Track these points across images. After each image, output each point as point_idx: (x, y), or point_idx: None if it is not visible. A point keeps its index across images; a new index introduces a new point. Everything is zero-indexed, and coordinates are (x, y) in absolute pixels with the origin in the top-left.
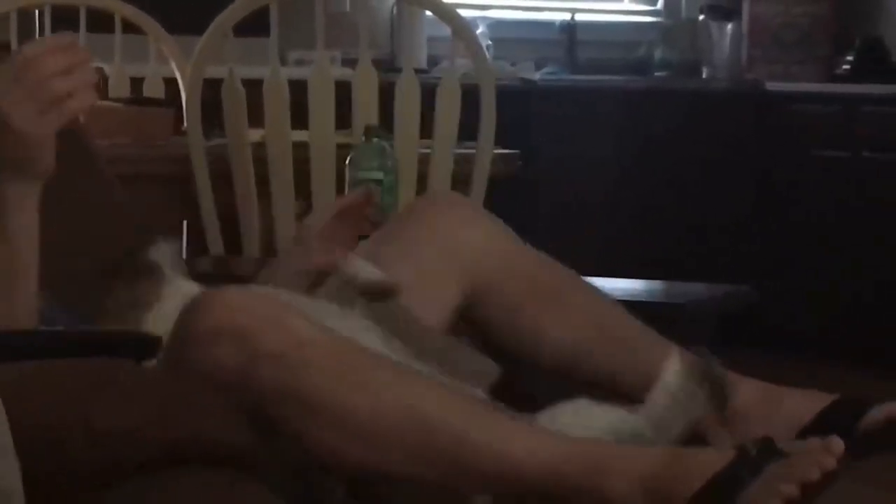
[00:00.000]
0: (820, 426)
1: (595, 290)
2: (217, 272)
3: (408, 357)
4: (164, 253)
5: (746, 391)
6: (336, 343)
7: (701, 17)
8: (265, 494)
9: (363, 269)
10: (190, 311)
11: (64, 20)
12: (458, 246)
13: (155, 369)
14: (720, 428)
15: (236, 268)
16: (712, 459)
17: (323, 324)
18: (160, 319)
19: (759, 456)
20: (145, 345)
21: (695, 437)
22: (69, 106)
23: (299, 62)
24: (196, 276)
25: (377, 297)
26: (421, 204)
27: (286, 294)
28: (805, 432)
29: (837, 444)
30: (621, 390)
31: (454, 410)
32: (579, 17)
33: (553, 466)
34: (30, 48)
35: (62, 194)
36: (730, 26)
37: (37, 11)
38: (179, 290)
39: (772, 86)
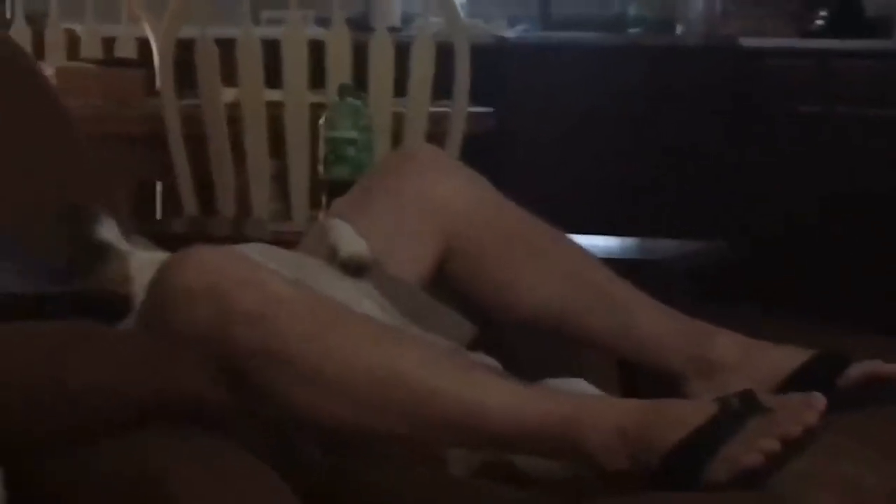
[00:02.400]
0: (799, 381)
1: (576, 245)
2: (192, 232)
3: (398, 320)
4: (110, 228)
5: (725, 344)
6: (309, 300)
7: None
8: (241, 451)
9: (346, 238)
10: (163, 272)
11: None
12: (436, 199)
13: (126, 330)
14: (698, 380)
15: (211, 228)
16: (692, 412)
17: (303, 283)
18: (139, 297)
19: (740, 409)
20: (115, 304)
21: (671, 389)
22: None
23: (272, 21)
24: (171, 237)
25: (357, 271)
26: (396, 158)
27: (289, 254)
28: (784, 387)
29: (819, 399)
30: (603, 349)
31: (427, 365)
32: None
33: (527, 419)
34: None
35: (33, 155)
36: None
37: None
38: (146, 263)
39: (746, 41)
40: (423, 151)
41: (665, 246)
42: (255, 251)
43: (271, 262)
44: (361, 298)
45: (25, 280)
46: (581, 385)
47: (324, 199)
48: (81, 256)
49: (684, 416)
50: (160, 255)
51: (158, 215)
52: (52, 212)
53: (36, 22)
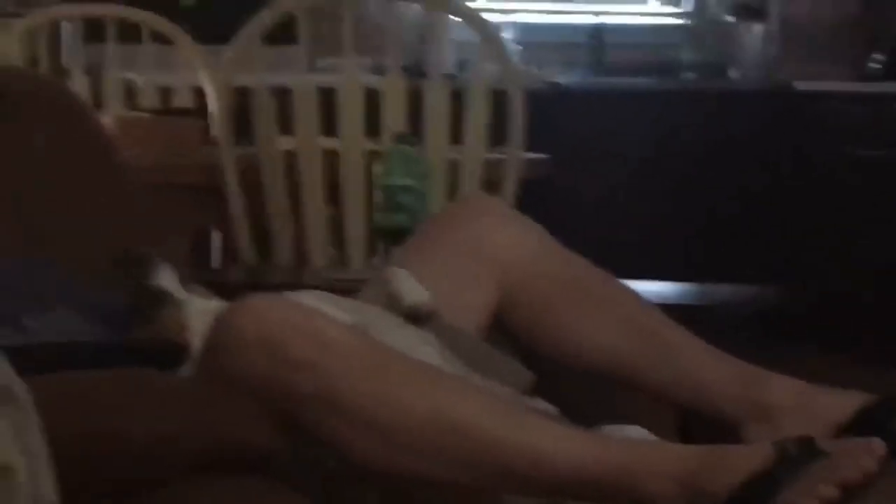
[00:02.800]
0: (857, 426)
1: (631, 292)
2: (249, 281)
3: (458, 368)
4: (168, 275)
5: (780, 388)
6: (364, 347)
7: (729, 18)
8: (299, 500)
9: (408, 287)
10: (220, 321)
11: (93, 32)
12: (493, 248)
13: (185, 378)
14: (754, 425)
15: (268, 276)
16: (750, 457)
17: (361, 329)
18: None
19: (798, 455)
20: (174, 352)
21: (728, 433)
22: None
23: (328, 69)
24: (228, 286)
25: (420, 320)
26: (454, 208)
27: (348, 301)
28: (841, 431)
29: (879, 445)
30: (659, 395)
31: (485, 411)
32: (606, 20)
33: (586, 466)
34: None
35: (89, 204)
36: (758, 27)
37: (66, 24)
38: (202, 311)
39: (801, 85)
40: (480, 200)
41: (721, 291)
42: (313, 298)
43: (331, 309)
44: (421, 346)
45: (85, 328)
46: (638, 431)
47: (380, 247)
48: (139, 303)
49: (742, 461)
50: (216, 304)
51: (215, 264)
52: (109, 258)
53: (94, 72)
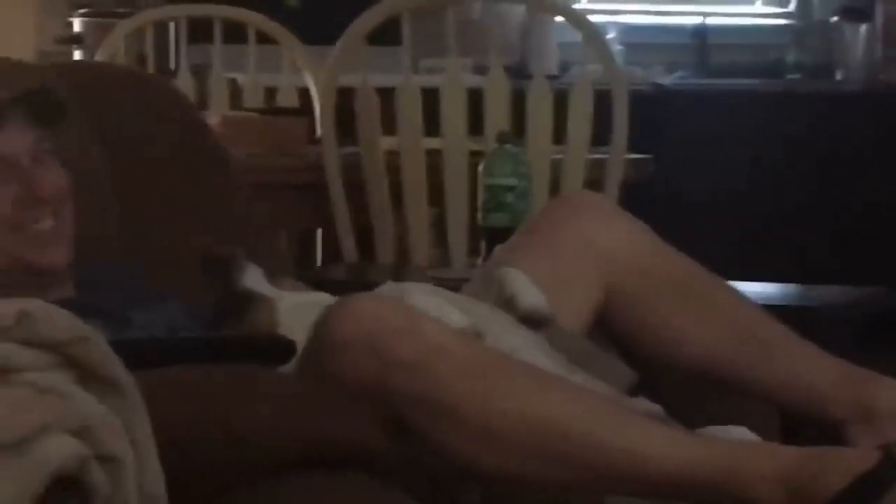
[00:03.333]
0: None
1: (736, 293)
2: (351, 279)
3: (564, 367)
4: (253, 275)
5: (886, 390)
6: (468, 348)
7: (834, 19)
8: (401, 498)
9: (525, 289)
10: (323, 321)
11: (198, 32)
12: (597, 245)
13: (292, 375)
14: (858, 426)
15: (371, 275)
16: (855, 460)
17: (477, 330)
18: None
19: None
20: (280, 349)
21: (832, 434)
22: None
23: (431, 70)
24: (331, 284)
25: (536, 323)
26: (557, 204)
27: (460, 297)
28: None
29: None
30: (764, 396)
31: (591, 414)
32: (710, 20)
33: (690, 468)
34: None
35: (195, 203)
36: (864, 27)
37: (172, 24)
38: (295, 306)
39: None
40: (584, 197)
41: (825, 292)
42: (424, 292)
43: (443, 303)
44: (531, 348)
45: (188, 324)
46: (743, 433)
47: (482, 246)
48: (226, 305)
49: (847, 464)
50: (311, 297)
51: (319, 262)
52: (197, 259)
53: (200, 73)
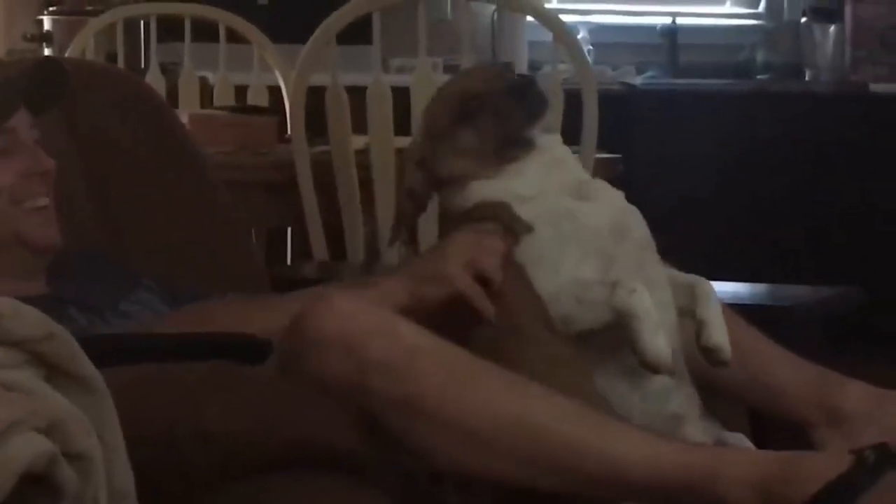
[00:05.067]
0: None
1: None
2: (321, 277)
3: None
4: None
5: (855, 393)
6: (445, 351)
7: (803, 20)
8: (376, 498)
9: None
10: (298, 320)
11: (169, 30)
12: None
13: (266, 374)
14: (827, 429)
15: (340, 273)
16: (828, 465)
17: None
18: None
19: (876, 463)
20: (257, 349)
21: (800, 436)
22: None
23: (401, 69)
24: (301, 282)
25: None
26: None
27: None
28: None
29: None
30: (734, 397)
31: (566, 416)
32: (680, 20)
33: (667, 472)
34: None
35: (169, 197)
36: (833, 28)
37: (142, 22)
38: None
39: (876, 87)
40: None
41: (796, 292)
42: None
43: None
44: None
45: (163, 308)
46: (741, 440)
47: None
48: None
49: (820, 469)
50: None
51: (289, 260)
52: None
53: (170, 71)
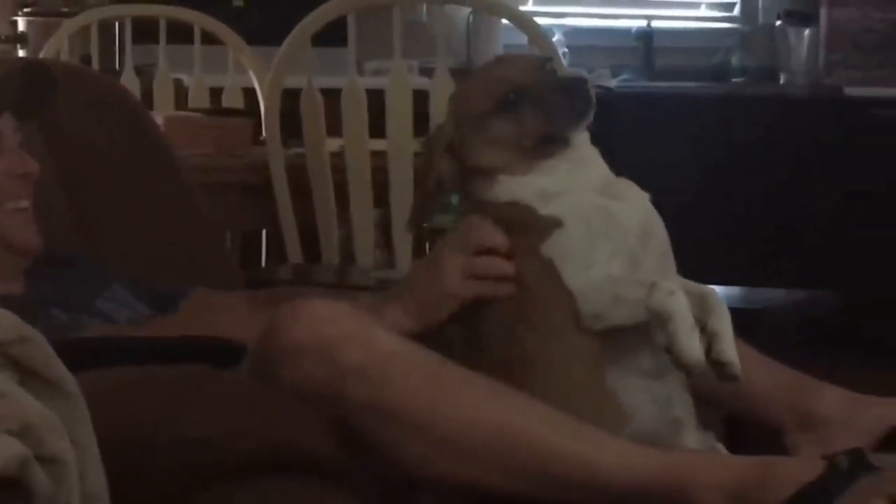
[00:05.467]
0: None
1: None
2: (296, 280)
3: None
4: None
5: (829, 397)
6: (421, 357)
7: (778, 23)
8: (351, 502)
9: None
10: (274, 324)
11: (144, 32)
12: None
13: (241, 378)
14: (800, 433)
15: (315, 276)
16: (801, 470)
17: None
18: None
19: (849, 469)
20: (231, 352)
21: (773, 440)
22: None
23: (377, 71)
24: (276, 285)
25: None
26: None
27: None
28: (886, 441)
29: None
30: (708, 401)
31: (541, 422)
32: (655, 23)
33: (642, 478)
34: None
35: (144, 198)
36: (807, 32)
37: (117, 24)
38: None
39: (851, 91)
40: None
41: (769, 295)
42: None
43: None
44: None
45: (138, 306)
46: (721, 449)
47: (427, 248)
48: None
49: (792, 474)
50: None
51: (264, 263)
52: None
53: (145, 73)
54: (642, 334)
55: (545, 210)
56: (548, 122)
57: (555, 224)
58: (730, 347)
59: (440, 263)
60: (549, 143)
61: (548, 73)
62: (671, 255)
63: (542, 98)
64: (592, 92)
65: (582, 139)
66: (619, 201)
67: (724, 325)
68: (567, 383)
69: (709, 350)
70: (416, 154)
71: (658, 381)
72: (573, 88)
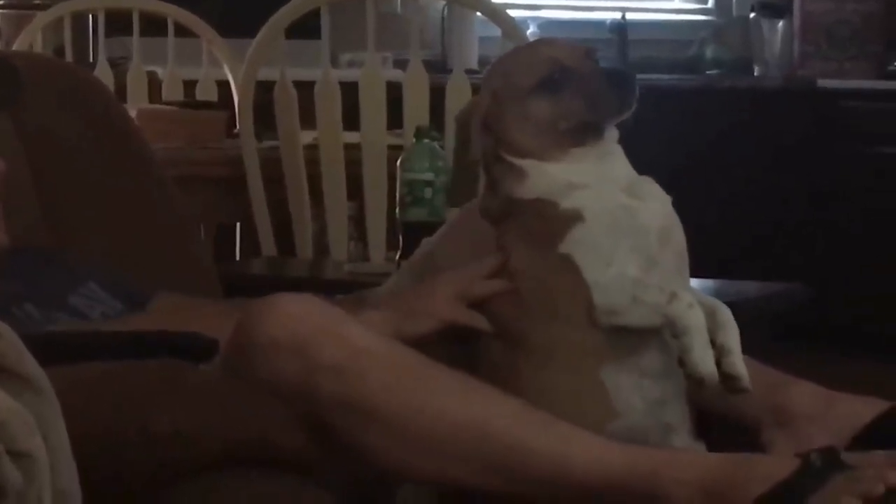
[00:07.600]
0: (874, 433)
1: None
2: (270, 274)
3: None
4: None
5: (802, 393)
6: (394, 353)
7: (752, 15)
8: (324, 499)
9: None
10: (247, 320)
11: (117, 24)
12: None
13: (214, 374)
14: (774, 429)
15: (289, 269)
16: (775, 467)
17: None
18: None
19: (822, 466)
20: (203, 347)
21: (747, 437)
22: None
23: (351, 64)
24: (249, 278)
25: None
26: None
27: None
28: (858, 439)
29: None
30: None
31: (515, 418)
32: (630, 15)
33: (615, 474)
34: None
35: (116, 194)
36: (781, 24)
37: (90, 16)
38: None
39: (824, 83)
40: None
41: (742, 287)
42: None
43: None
44: None
45: (113, 304)
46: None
47: (400, 241)
48: None
49: (766, 471)
50: None
51: (238, 256)
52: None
53: (118, 65)
54: (647, 335)
55: (568, 202)
56: (589, 108)
57: (576, 218)
58: (739, 361)
59: (435, 282)
60: (583, 131)
61: (598, 63)
62: (687, 259)
63: (587, 83)
64: (638, 86)
65: (612, 134)
66: (642, 200)
67: (733, 340)
68: (560, 369)
69: (717, 363)
70: (389, 147)
71: (655, 384)
72: (621, 79)
